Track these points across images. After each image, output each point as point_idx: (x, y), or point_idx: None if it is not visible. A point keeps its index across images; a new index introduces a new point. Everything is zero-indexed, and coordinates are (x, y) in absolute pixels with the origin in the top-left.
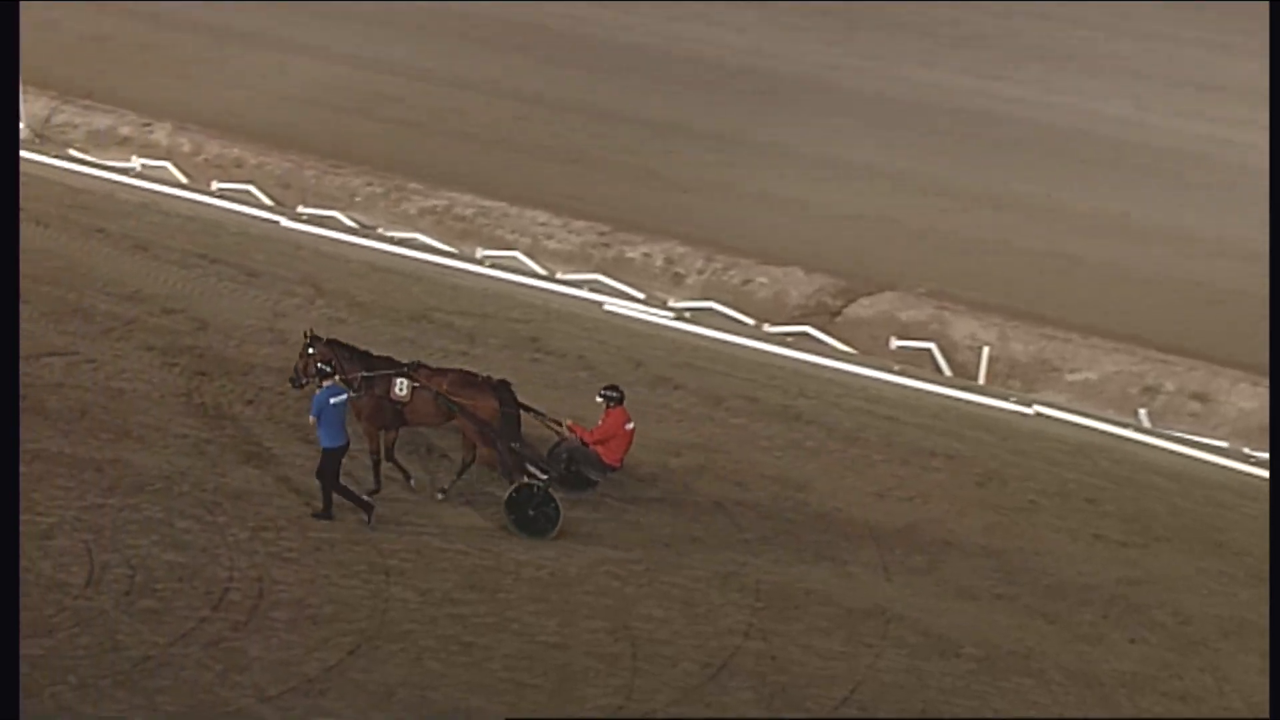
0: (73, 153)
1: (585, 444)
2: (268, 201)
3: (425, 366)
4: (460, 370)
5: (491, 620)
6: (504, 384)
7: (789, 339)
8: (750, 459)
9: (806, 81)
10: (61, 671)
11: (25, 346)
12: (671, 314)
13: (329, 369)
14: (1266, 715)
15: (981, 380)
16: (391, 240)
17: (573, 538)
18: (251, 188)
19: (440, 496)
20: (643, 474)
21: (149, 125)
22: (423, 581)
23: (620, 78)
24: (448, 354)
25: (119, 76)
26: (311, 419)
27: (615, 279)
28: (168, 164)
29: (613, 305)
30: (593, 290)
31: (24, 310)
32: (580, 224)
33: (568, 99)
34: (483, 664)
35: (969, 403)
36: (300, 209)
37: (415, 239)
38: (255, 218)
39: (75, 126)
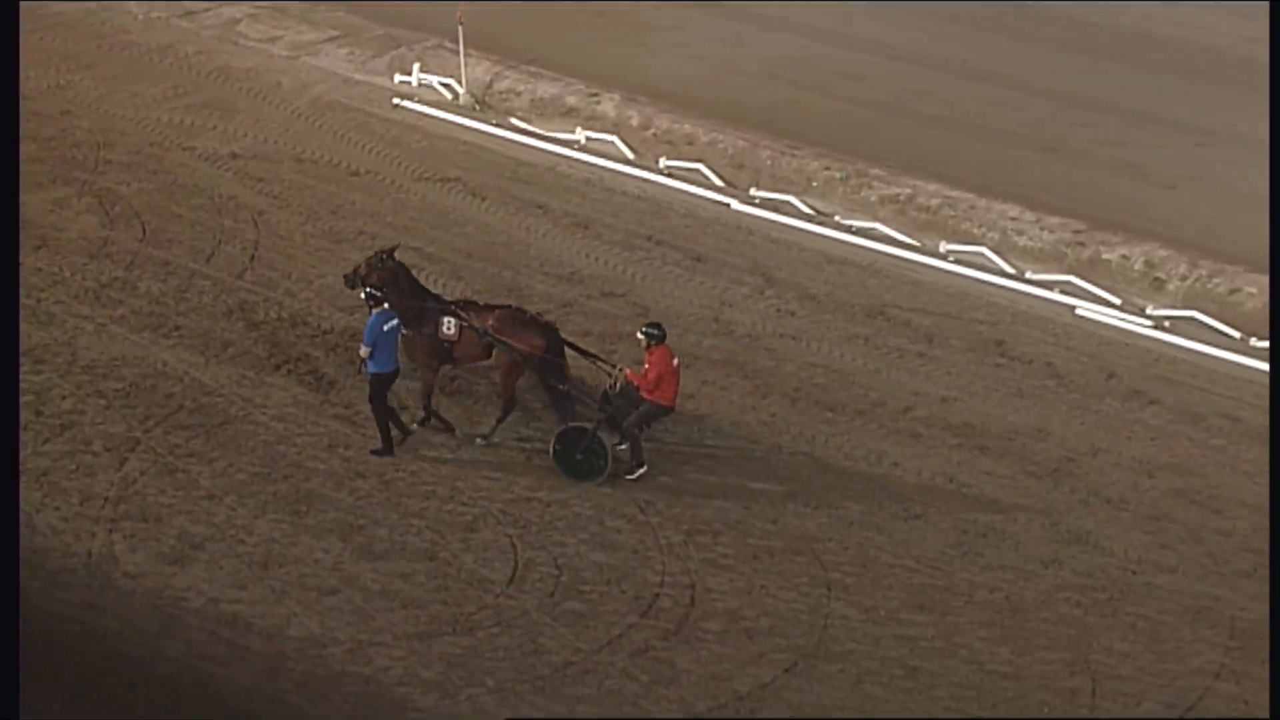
0: (515, 122)
1: (639, 392)
2: (718, 182)
3: (474, 304)
4: (509, 307)
5: (939, 644)
6: (550, 325)
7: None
8: (1230, 484)
9: None
10: (479, 673)
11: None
12: (1149, 322)
13: (379, 294)
14: (1267, 715)
15: None
16: (849, 229)
17: (1032, 561)
18: (701, 167)
19: (481, 442)
20: (1111, 495)
21: (596, 96)
22: (867, 598)
23: (1106, 62)
24: (904, 354)
25: (567, 42)
26: (365, 350)
27: (1089, 281)
28: (614, 138)
29: (1085, 310)
30: (1064, 292)
31: (456, 288)
32: (1054, 220)
33: (1045, 83)
34: (928, 691)
35: None
36: (753, 192)
37: (874, 229)
38: (704, 199)
39: (518, 94)
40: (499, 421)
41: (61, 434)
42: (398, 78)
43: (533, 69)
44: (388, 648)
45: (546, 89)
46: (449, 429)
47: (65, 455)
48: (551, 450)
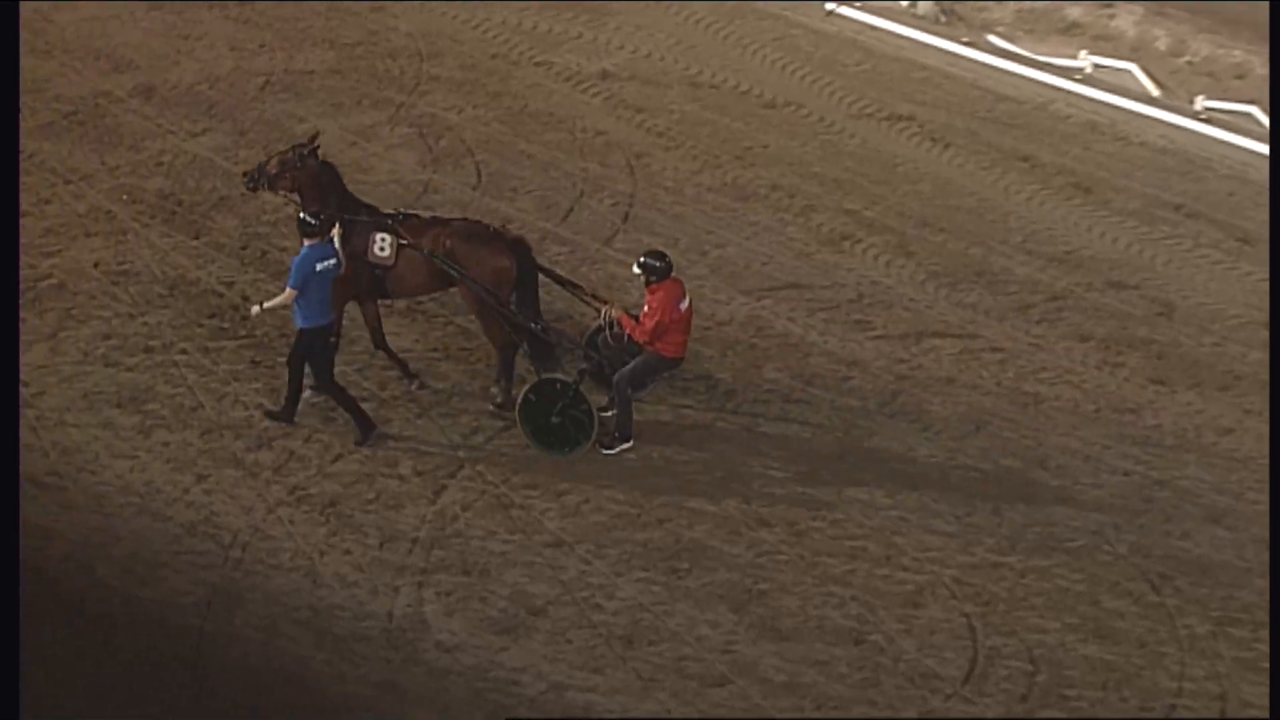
0: (993, 40)
1: (638, 342)
2: None
3: (415, 216)
4: (464, 220)
5: None
6: (520, 241)
7: None
8: None
9: None
10: None
11: (915, 329)
12: None
13: (315, 221)
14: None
15: None
16: None
17: None
18: (1254, 110)
19: (493, 408)
20: None
21: (1109, 8)
22: None
23: None
24: None
25: None
26: (289, 293)
27: None
28: (1132, 67)
29: None
30: None
31: (906, 266)
32: None
33: None
34: None
35: None
36: None
37: None
38: (1257, 156)
39: (1002, 2)
40: (505, 379)
41: (357, 450)
42: None
43: None
44: None
45: None
46: (409, 376)
47: (361, 479)
48: (518, 410)
